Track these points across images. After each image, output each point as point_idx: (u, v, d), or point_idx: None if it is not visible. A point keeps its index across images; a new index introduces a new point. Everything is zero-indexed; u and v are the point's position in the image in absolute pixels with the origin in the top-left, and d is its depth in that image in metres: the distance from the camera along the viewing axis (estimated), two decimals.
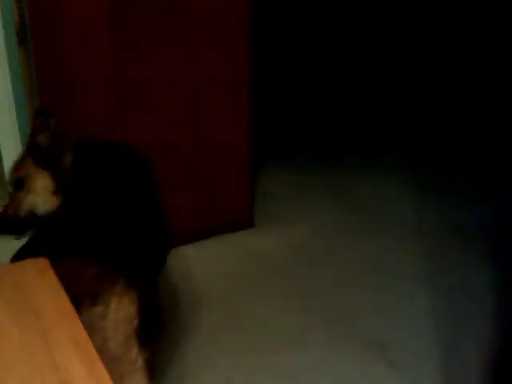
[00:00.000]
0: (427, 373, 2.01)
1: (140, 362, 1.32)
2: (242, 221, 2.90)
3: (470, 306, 2.35)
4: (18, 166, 1.48)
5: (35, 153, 1.46)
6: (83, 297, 1.20)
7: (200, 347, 2.11)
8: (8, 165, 1.62)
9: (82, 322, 1.01)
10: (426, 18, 4.79)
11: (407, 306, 2.37)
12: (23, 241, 1.43)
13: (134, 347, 1.31)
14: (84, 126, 2.23)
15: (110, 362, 1.11)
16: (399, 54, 4.81)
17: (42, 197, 1.44)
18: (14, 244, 1.41)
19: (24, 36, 2.16)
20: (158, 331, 2.12)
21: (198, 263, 2.62)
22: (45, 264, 1.14)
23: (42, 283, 1.09)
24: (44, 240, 1.41)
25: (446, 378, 1.99)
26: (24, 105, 2.30)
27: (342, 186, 3.44)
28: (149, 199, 1.57)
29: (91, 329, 1.07)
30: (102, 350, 1.02)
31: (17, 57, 2.22)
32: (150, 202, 1.57)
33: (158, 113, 2.41)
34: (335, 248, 2.80)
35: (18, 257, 1.34)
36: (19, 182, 1.45)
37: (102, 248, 1.31)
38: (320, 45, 4.78)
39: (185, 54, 2.41)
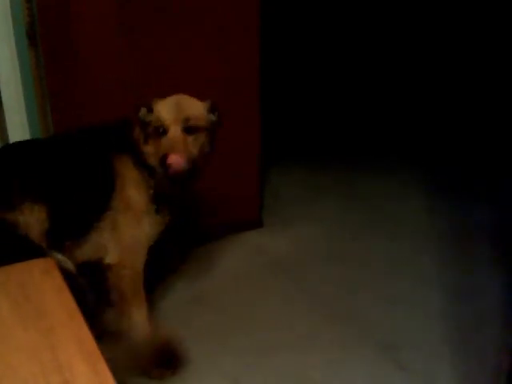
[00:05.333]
0: (438, 376, 1.99)
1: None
2: (250, 220, 2.90)
3: (484, 308, 2.33)
4: None
5: None
6: None
7: (208, 347, 2.11)
8: None
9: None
10: (428, 18, 4.78)
11: (419, 308, 2.35)
12: None
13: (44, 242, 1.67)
14: (95, 121, 2.25)
15: None
16: (403, 55, 4.81)
17: None
18: None
19: (34, 35, 2.17)
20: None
21: (207, 263, 2.62)
22: (50, 264, 1.14)
23: (47, 283, 1.10)
24: None
25: (458, 382, 1.97)
26: (34, 104, 2.31)
27: (353, 186, 3.42)
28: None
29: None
30: None
31: (27, 56, 2.23)
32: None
33: None
34: (345, 248, 2.78)
35: None
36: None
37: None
38: (330, 48, 4.79)
39: (194, 53, 2.41)
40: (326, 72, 4.70)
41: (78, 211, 1.77)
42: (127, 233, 1.83)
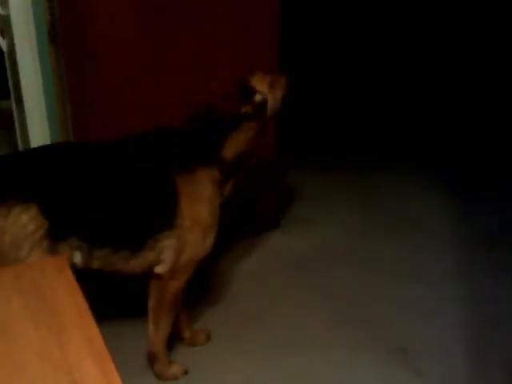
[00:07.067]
0: (452, 381, 1.97)
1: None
2: (267, 221, 2.89)
3: (500, 312, 2.30)
4: None
5: None
6: None
7: (221, 345, 2.12)
8: None
9: None
10: (431, 20, 4.74)
11: (434, 312, 2.32)
12: None
13: (24, 248, 1.59)
14: (114, 121, 2.26)
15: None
16: (411, 59, 4.77)
17: None
18: None
19: (55, 34, 2.19)
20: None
21: (223, 263, 2.62)
22: (63, 262, 1.14)
23: (60, 281, 1.10)
24: None
25: None
26: (54, 102, 2.33)
27: (367, 186, 3.42)
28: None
29: None
30: None
31: (47, 55, 2.25)
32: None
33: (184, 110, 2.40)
34: (360, 248, 2.77)
35: None
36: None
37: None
38: (341, 52, 4.79)
39: (214, 52, 2.41)
40: (338, 75, 4.69)
41: (121, 226, 1.73)
42: (191, 250, 1.80)
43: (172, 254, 1.77)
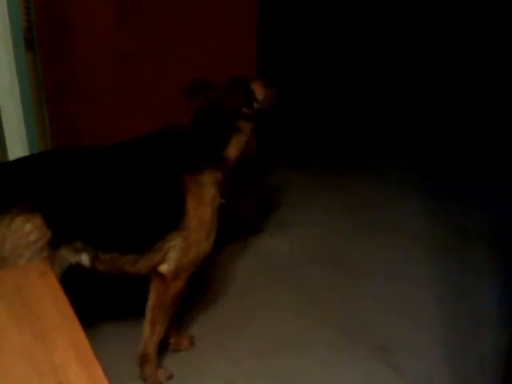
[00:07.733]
0: (434, 380, 2.00)
1: None
2: (250, 226, 2.89)
3: (481, 312, 2.34)
4: None
5: None
6: None
7: (205, 349, 2.12)
8: None
9: None
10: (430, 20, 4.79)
11: (414, 311, 2.36)
12: None
13: (23, 256, 1.58)
14: (93, 127, 2.25)
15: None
16: (404, 59, 4.81)
17: None
18: None
19: (31, 41, 2.18)
20: None
21: (206, 268, 2.62)
22: (45, 267, 1.14)
23: (43, 285, 1.10)
24: None
25: None
26: (31, 108, 2.31)
27: (353, 188, 3.45)
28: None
29: None
30: None
31: (24, 61, 2.23)
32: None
33: (165, 112, 2.39)
34: (342, 251, 2.79)
35: None
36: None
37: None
38: (330, 49, 4.79)
39: (193, 53, 2.41)
40: (324, 75, 4.71)
41: (132, 230, 1.76)
42: (195, 250, 1.83)
43: (177, 253, 1.80)
